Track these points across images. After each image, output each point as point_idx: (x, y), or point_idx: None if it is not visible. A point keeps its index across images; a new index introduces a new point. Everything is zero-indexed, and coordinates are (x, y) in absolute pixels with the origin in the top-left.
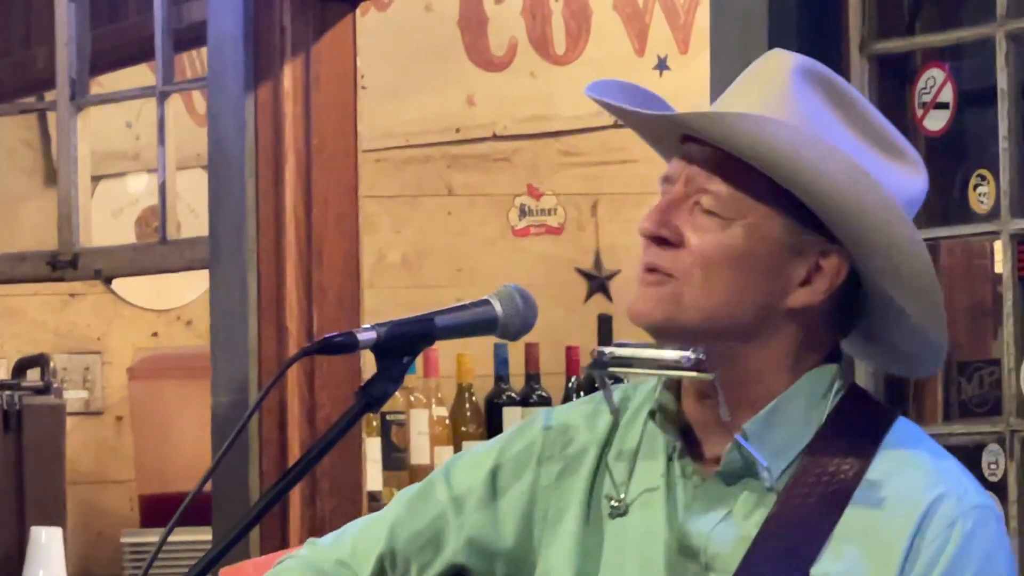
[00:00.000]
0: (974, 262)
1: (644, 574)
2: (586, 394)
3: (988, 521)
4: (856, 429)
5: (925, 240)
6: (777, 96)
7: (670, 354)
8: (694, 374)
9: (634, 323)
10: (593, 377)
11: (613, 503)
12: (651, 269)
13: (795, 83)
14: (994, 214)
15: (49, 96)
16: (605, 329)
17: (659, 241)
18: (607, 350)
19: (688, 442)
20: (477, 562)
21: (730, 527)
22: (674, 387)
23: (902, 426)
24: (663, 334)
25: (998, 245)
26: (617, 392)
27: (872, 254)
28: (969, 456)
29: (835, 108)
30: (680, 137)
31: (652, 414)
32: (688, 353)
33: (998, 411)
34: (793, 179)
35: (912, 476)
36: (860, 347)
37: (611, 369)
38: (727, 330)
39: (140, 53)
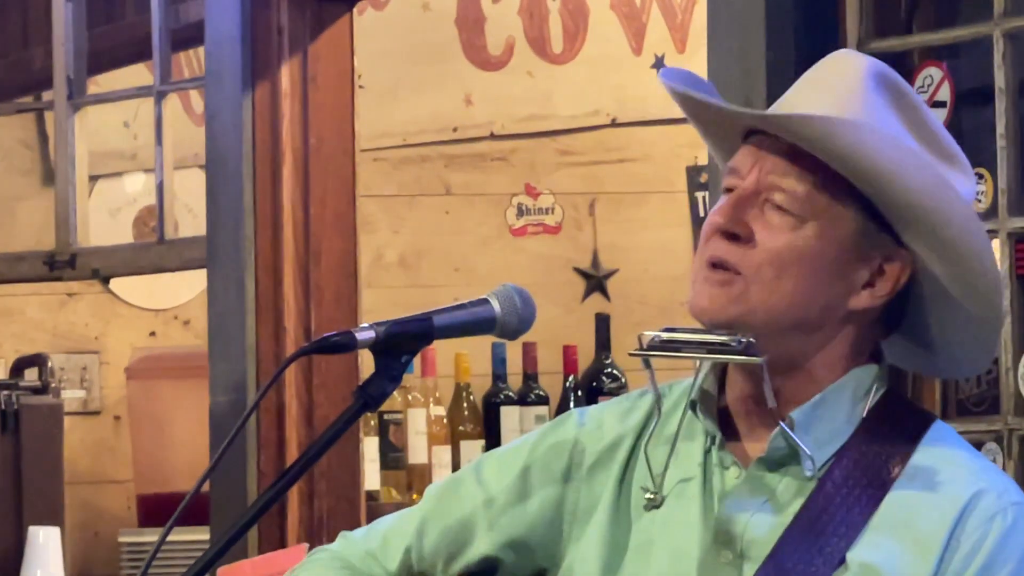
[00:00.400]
0: None
1: (676, 563)
2: (584, 394)
3: None
4: (896, 426)
5: None
6: (851, 99)
7: (720, 337)
8: (744, 358)
9: (697, 319)
10: (591, 374)
11: (648, 495)
12: (717, 264)
13: (868, 86)
14: (992, 213)
15: (46, 96)
16: (603, 328)
17: (729, 236)
18: (656, 334)
19: (727, 435)
20: (507, 556)
21: (769, 514)
22: (718, 376)
23: (940, 427)
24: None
25: (996, 244)
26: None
27: (946, 261)
28: None
29: (898, 112)
30: (744, 130)
31: (693, 405)
32: (738, 336)
33: (996, 410)
34: (876, 184)
35: (952, 472)
36: (900, 349)
37: (662, 355)
38: (790, 329)
39: (137, 53)
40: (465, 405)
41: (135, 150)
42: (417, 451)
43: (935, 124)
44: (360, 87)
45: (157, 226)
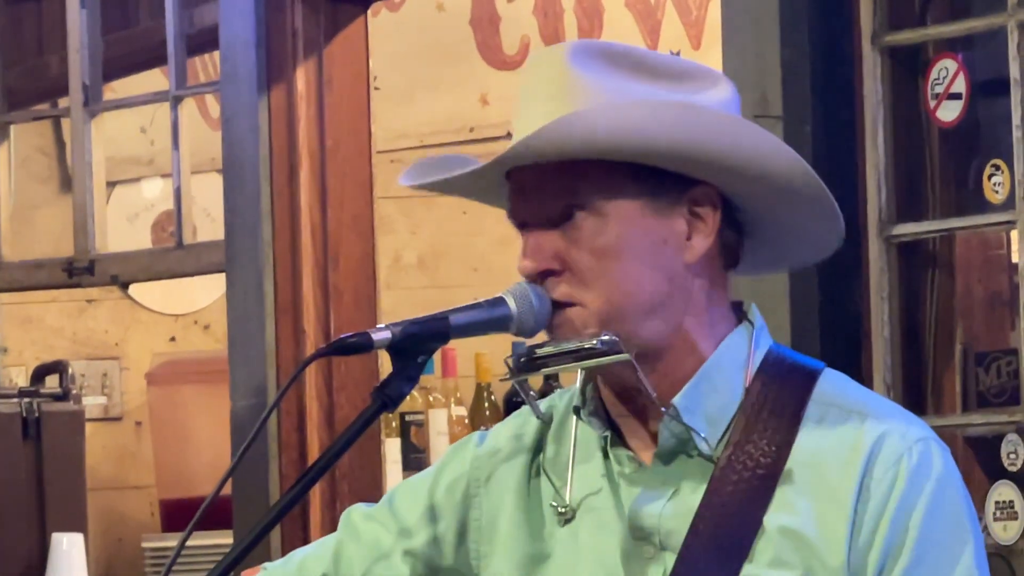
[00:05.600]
0: (990, 252)
1: (600, 568)
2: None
3: (934, 452)
4: (785, 385)
5: (941, 231)
6: (563, 92)
7: (582, 343)
8: (610, 357)
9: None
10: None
11: (560, 509)
12: (558, 304)
13: (573, 68)
14: (1009, 204)
15: (63, 103)
16: None
17: (546, 275)
18: (521, 354)
19: (619, 431)
20: None
21: (679, 503)
22: (592, 385)
23: (830, 376)
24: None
25: (1014, 235)
26: (543, 403)
27: (728, 167)
28: (988, 446)
29: (620, 70)
30: (505, 177)
31: (577, 410)
32: (602, 336)
33: (1016, 401)
34: (607, 147)
35: (851, 419)
36: (751, 263)
37: (530, 373)
38: (650, 312)
39: (153, 58)
40: (486, 405)
41: (152, 155)
42: (439, 452)
43: (659, 59)
44: (376, 88)
45: (175, 231)
